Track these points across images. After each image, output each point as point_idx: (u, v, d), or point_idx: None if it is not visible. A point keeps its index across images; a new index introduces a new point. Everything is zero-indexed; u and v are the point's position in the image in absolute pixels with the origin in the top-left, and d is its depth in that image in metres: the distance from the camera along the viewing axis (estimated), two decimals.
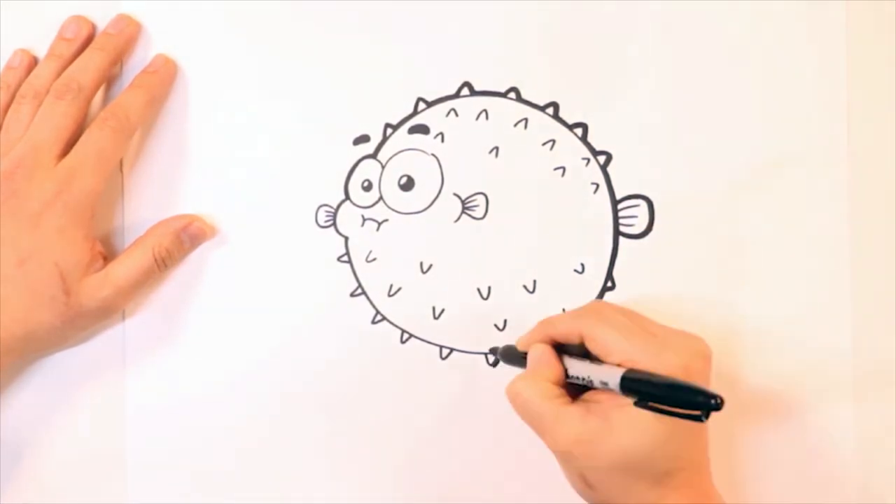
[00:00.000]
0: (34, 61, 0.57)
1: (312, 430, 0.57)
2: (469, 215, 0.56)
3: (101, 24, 0.57)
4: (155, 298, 0.57)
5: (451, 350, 0.56)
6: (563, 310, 0.54)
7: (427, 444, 0.56)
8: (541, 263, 0.55)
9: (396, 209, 0.56)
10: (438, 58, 0.56)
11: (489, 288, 0.56)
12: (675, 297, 0.55)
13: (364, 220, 0.56)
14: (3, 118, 0.55)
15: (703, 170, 0.55)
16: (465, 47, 0.56)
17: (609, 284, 0.55)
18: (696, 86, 0.55)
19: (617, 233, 0.55)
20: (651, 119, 0.55)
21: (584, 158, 0.55)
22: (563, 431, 0.47)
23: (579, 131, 0.55)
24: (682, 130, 0.55)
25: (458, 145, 0.56)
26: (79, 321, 0.55)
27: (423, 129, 0.56)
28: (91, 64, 0.55)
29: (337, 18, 0.56)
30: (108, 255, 0.56)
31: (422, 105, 0.56)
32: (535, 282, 0.55)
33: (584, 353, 0.49)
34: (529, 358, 0.50)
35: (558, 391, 0.49)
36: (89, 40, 0.57)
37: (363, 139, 0.56)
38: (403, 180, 0.56)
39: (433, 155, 0.56)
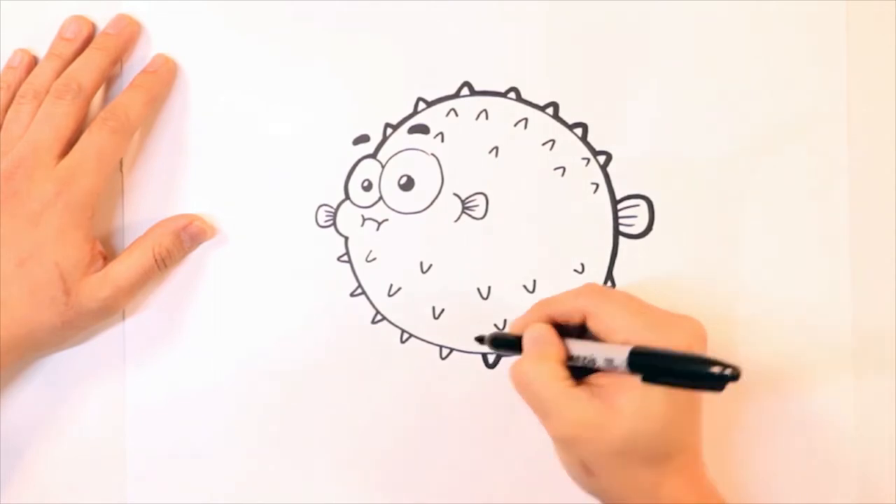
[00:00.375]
0: (34, 61, 0.57)
1: (312, 430, 0.57)
2: (469, 215, 0.56)
3: (101, 24, 0.57)
4: (155, 298, 0.57)
5: (451, 350, 0.56)
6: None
7: (427, 443, 0.56)
8: (541, 263, 0.55)
9: (396, 209, 0.56)
10: (438, 58, 0.56)
11: (489, 288, 0.56)
12: (674, 296, 0.55)
13: (364, 219, 0.56)
14: (3, 118, 0.55)
15: (703, 170, 0.55)
16: (465, 47, 0.56)
17: (609, 284, 0.55)
18: (696, 86, 0.55)
19: (617, 233, 0.55)
20: (651, 119, 0.55)
21: (584, 158, 0.55)
22: (570, 415, 0.46)
23: (579, 131, 0.55)
24: (682, 130, 0.55)
25: (458, 145, 0.56)
26: (79, 321, 0.55)
27: (423, 129, 0.56)
28: (91, 64, 0.55)
29: (337, 18, 0.56)
30: (108, 255, 0.56)
31: (422, 105, 0.56)
32: (534, 282, 0.55)
33: (581, 334, 0.49)
34: (527, 339, 0.49)
35: (565, 373, 0.48)
36: (89, 40, 0.57)
37: (363, 139, 0.56)
38: (403, 180, 0.56)
39: (433, 155, 0.56)
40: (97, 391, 0.58)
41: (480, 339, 0.54)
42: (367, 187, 0.56)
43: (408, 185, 0.56)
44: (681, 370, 0.44)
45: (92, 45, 0.56)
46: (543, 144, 0.56)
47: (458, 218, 0.56)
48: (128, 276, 0.55)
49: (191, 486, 0.57)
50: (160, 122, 0.57)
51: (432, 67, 0.56)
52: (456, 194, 0.56)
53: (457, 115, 0.56)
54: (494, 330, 0.54)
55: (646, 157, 0.55)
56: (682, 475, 0.47)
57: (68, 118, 0.54)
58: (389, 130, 0.56)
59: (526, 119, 0.56)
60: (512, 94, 0.56)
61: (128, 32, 0.57)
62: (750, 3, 0.54)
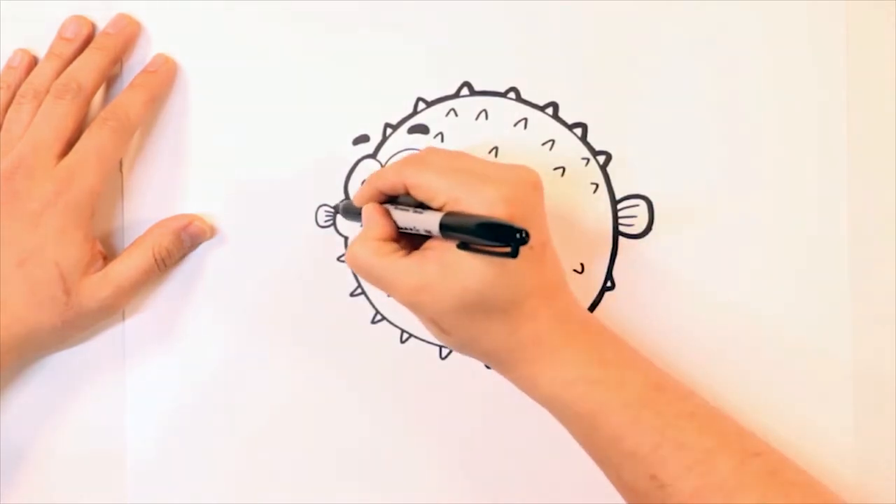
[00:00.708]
0: (34, 61, 0.57)
1: (312, 430, 0.57)
2: None
3: (101, 24, 0.57)
4: (155, 298, 0.57)
5: (451, 350, 0.56)
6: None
7: (426, 443, 0.56)
8: None
9: None
10: (438, 58, 0.56)
11: None
12: (674, 297, 0.55)
13: None
14: (3, 118, 0.55)
15: (703, 170, 0.55)
16: (465, 47, 0.56)
17: (609, 284, 0.55)
18: (696, 86, 0.55)
19: (617, 233, 0.55)
20: (651, 119, 0.55)
21: (583, 158, 0.55)
22: (403, 283, 0.47)
23: (579, 131, 0.55)
24: (681, 130, 0.55)
25: (457, 145, 0.56)
26: (79, 321, 0.55)
27: (422, 129, 0.56)
28: (91, 64, 0.55)
29: (337, 18, 0.56)
30: (108, 255, 0.56)
31: (422, 105, 0.56)
32: None
33: (416, 203, 0.49)
34: (363, 218, 0.50)
35: (391, 246, 0.49)
36: (89, 40, 0.57)
37: (363, 139, 0.56)
38: None
39: None
40: (97, 391, 0.58)
41: (336, 209, 0.55)
42: None
43: None
44: (479, 236, 0.44)
45: (92, 45, 0.56)
46: (543, 144, 0.56)
47: None
48: (128, 276, 0.55)
49: (191, 485, 0.57)
50: (160, 122, 0.57)
51: (432, 67, 0.56)
52: None
53: (457, 115, 0.56)
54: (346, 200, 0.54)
55: (646, 157, 0.55)
56: (539, 317, 0.47)
57: (68, 118, 0.54)
58: (389, 130, 0.56)
59: (526, 119, 0.56)
60: (512, 94, 0.56)
61: (128, 32, 0.57)
62: (750, 3, 0.54)
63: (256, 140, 0.57)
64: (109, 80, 0.57)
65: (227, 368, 0.57)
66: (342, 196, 0.56)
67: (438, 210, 0.47)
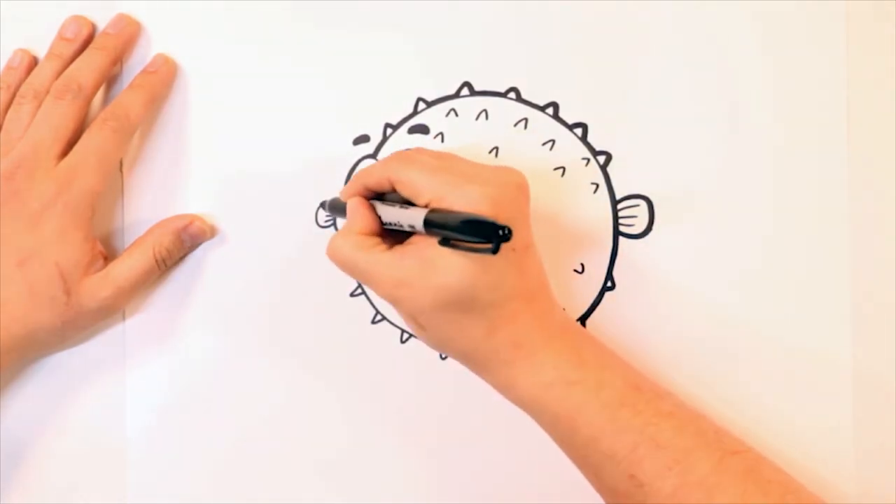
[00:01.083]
0: (34, 61, 0.57)
1: (312, 430, 0.57)
2: None
3: (101, 24, 0.57)
4: (155, 298, 0.57)
5: None
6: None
7: (426, 443, 0.56)
8: None
9: None
10: (438, 58, 0.56)
11: None
12: (674, 297, 0.55)
13: None
14: (3, 118, 0.55)
15: (704, 170, 0.55)
16: (465, 47, 0.56)
17: (609, 284, 0.55)
18: (697, 86, 0.55)
19: (617, 233, 0.55)
20: (651, 119, 0.55)
21: (584, 158, 0.55)
22: (382, 277, 0.47)
23: (579, 131, 0.55)
24: (682, 130, 0.55)
25: (457, 145, 0.56)
26: (79, 321, 0.55)
27: (423, 129, 0.56)
28: (91, 64, 0.55)
29: (337, 18, 0.56)
30: (108, 255, 0.56)
31: (422, 105, 0.56)
32: None
33: (402, 200, 0.49)
34: (347, 212, 0.50)
35: (373, 241, 0.49)
36: (89, 40, 0.57)
37: (363, 139, 0.56)
38: None
39: None
40: (97, 391, 0.58)
41: (323, 205, 0.55)
42: None
43: None
44: (461, 232, 0.44)
45: (92, 45, 0.56)
46: (543, 144, 0.56)
47: None
48: (128, 276, 0.55)
49: (191, 485, 0.57)
50: (160, 122, 0.57)
51: (432, 67, 0.56)
52: None
53: (457, 115, 0.56)
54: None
55: (646, 157, 0.55)
56: (518, 320, 0.47)
57: (68, 118, 0.54)
58: (389, 130, 0.56)
59: (526, 119, 0.56)
60: (512, 94, 0.56)
61: (128, 32, 0.57)
62: (750, 3, 0.54)
63: (256, 140, 0.57)
64: (109, 80, 0.57)
65: (227, 368, 0.57)
66: None
67: (423, 207, 0.47)
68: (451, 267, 0.46)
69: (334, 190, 0.56)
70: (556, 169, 0.56)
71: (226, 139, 0.57)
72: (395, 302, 0.48)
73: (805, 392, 0.54)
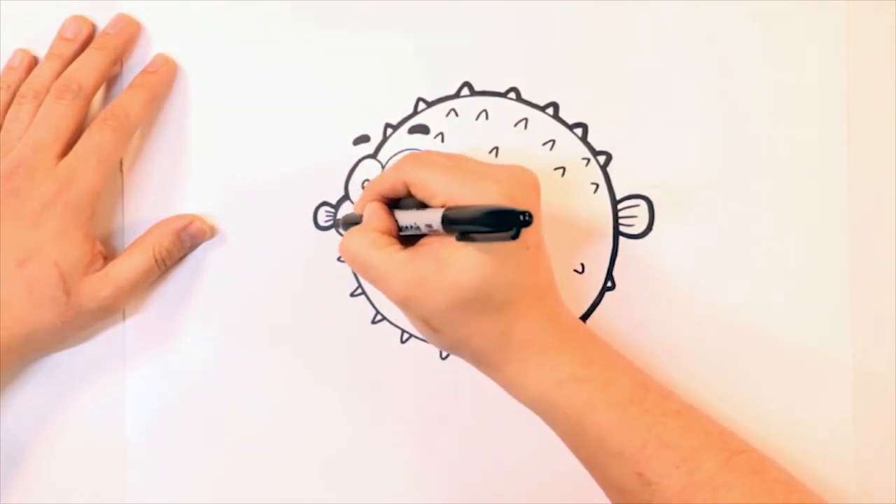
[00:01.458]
0: (34, 61, 0.57)
1: (312, 430, 0.57)
2: None
3: (101, 24, 0.57)
4: (155, 298, 0.57)
5: None
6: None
7: (426, 443, 0.56)
8: None
9: None
10: (438, 58, 0.56)
11: None
12: (674, 297, 0.55)
13: None
14: (3, 118, 0.55)
15: (703, 170, 0.55)
16: (465, 47, 0.56)
17: (609, 284, 0.55)
18: (697, 86, 0.55)
19: (617, 233, 0.55)
20: (651, 119, 0.55)
21: (584, 158, 0.55)
22: (396, 277, 0.47)
23: (579, 131, 0.55)
24: (681, 131, 0.55)
25: (458, 145, 0.56)
26: (79, 321, 0.55)
27: (423, 129, 0.56)
28: (91, 64, 0.55)
29: (337, 18, 0.56)
30: (108, 255, 0.56)
31: (422, 105, 0.56)
32: None
33: (418, 205, 0.49)
34: (364, 216, 0.50)
35: (387, 240, 0.48)
36: (89, 40, 0.57)
37: (363, 139, 0.56)
38: None
39: None
40: (97, 391, 0.58)
41: (337, 224, 0.55)
42: None
43: None
44: (480, 224, 0.44)
45: (92, 45, 0.56)
46: (543, 144, 0.56)
47: None
48: (128, 276, 0.55)
49: (191, 485, 0.57)
50: (160, 122, 0.57)
51: (432, 67, 0.56)
52: None
53: (457, 115, 0.56)
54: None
55: (646, 157, 0.55)
56: (529, 317, 0.48)
57: (68, 118, 0.54)
58: (389, 131, 0.56)
59: (526, 119, 0.56)
60: (512, 94, 0.56)
61: (128, 32, 0.57)
62: (750, 3, 0.54)
63: (257, 140, 0.57)
64: (109, 80, 0.57)
65: (228, 368, 0.57)
66: (342, 195, 0.56)
67: (439, 207, 0.47)
68: (467, 265, 0.46)
69: (334, 190, 0.56)
70: (556, 169, 0.56)
71: (226, 139, 0.57)
72: (407, 303, 0.47)
73: (805, 392, 0.54)
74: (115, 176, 0.57)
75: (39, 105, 0.55)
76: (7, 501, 0.57)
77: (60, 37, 0.57)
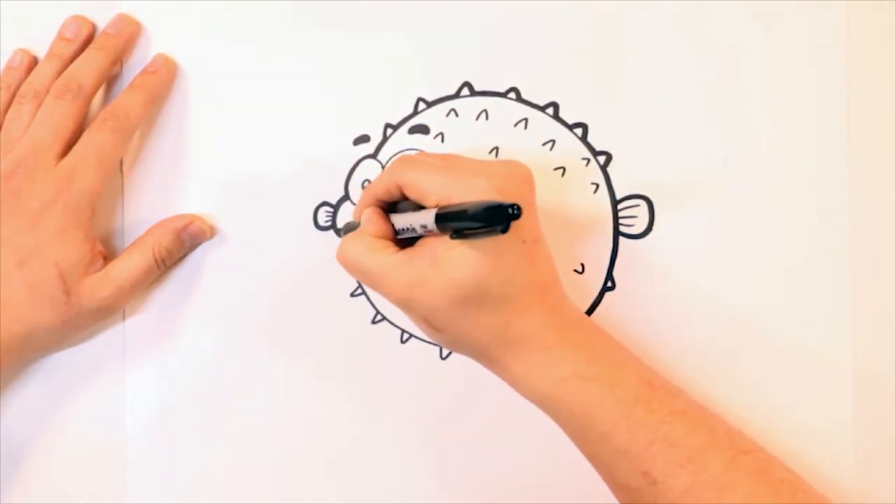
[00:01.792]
0: (34, 61, 0.57)
1: (312, 430, 0.57)
2: None
3: (101, 24, 0.57)
4: (155, 298, 0.57)
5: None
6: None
7: (427, 443, 0.56)
8: None
9: None
10: (438, 58, 0.56)
11: None
12: (675, 297, 0.55)
13: None
14: (3, 118, 0.55)
15: (703, 170, 0.55)
16: (465, 47, 0.56)
17: (609, 284, 0.55)
18: (697, 86, 0.55)
19: (617, 233, 0.55)
20: (651, 119, 0.55)
21: (584, 158, 0.55)
22: (394, 278, 0.47)
23: (579, 131, 0.55)
24: (681, 131, 0.55)
25: (458, 145, 0.56)
26: (79, 321, 0.55)
27: (423, 130, 0.56)
28: (91, 64, 0.55)
29: (337, 18, 0.56)
30: (108, 255, 0.56)
31: (422, 105, 0.56)
32: None
33: (414, 207, 0.49)
34: (361, 221, 0.50)
35: (383, 243, 0.49)
36: (89, 40, 0.57)
37: (363, 139, 0.56)
38: None
39: None
40: (97, 391, 0.57)
41: (338, 232, 0.55)
42: None
43: None
44: (471, 219, 0.44)
45: (92, 45, 0.56)
46: (543, 144, 0.56)
47: None
48: (128, 276, 0.55)
49: (191, 485, 0.57)
50: (160, 122, 0.57)
51: (432, 67, 0.56)
52: None
53: (457, 115, 0.56)
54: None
55: (646, 157, 0.55)
56: (530, 313, 0.47)
57: (68, 118, 0.54)
58: (390, 131, 0.56)
59: (526, 119, 0.56)
60: (512, 94, 0.56)
61: (128, 32, 0.57)
62: (750, 3, 0.54)
63: (257, 140, 0.57)
64: (109, 80, 0.57)
65: (227, 368, 0.57)
66: (342, 195, 0.56)
67: (433, 208, 0.47)
68: (462, 262, 0.46)
69: (334, 190, 0.56)
70: (556, 169, 0.56)
71: (226, 139, 0.57)
72: (407, 304, 0.48)
73: (805, 391, 0.54)
74: (115, 176, 0.57)
75: (39, 105, 0.55)
76: (7, 501, 0.57)
77: (60, 37, 0.57)
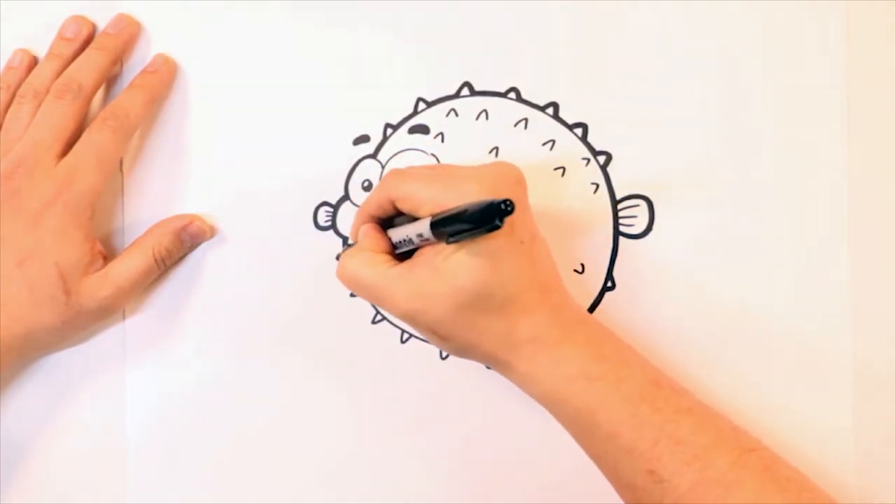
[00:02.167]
0: (34, 61, 0.57)
1: (312, 430, 0.57)
2: None
3: (101, 24, 0.57)
4: (155, 298, 0.57)
5: None
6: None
7: (427, 443, 0.56)
8: None
9: None
10: (438, 58, 0.56)
11: None
12: (675, 297, 0.55)
13: None
14: (3, 118, 0.55)
15: (703, 170, 0.55)
16: (465, 47, 0.56)
17: (609, 284, 0.55)
18: (697, 86, 0.55)
19: (617, 233, 0.55)
20: (651, 119, 0.55)
21: (584, 158, 0.55)
22: (396, 291, 0.47)
23: (579, 131, 0.55)
24: (681, 130, 0.55)
25: (458, 145, 0.56)
26: (79, 321, 0.55)
27: (423, 129, 0.56)
28: (91, 64, 0.55)
29: (337, 18, 0.56)
30: (108, 255, 0.56)
31: (422, 105, 0.56)
32: None
33: (410, 221, 0.49)
34: (358, 237, 0.51)
35: (382, 258, 0.49)
36: (89, 40, 0.57)
37: (363, 139, 0.57)
38: None
39: (433, 155, 0.56)
40: (97, 391, 0.57)
41: (338, 257, 0.55)
42: (368, 187, 0.56)
43: None
44: (466, 221, 0.44)
45: (92, 45, 0.56)
46: (543, 144, 0.56)
47: None
48: (128, 276, 0.55)
49: (191, 485, 0.57)
50: (160, 122, 0.57)
51: (432, 67, 0.56)
52: None
53: (457, 115, 0.56)
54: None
55: (646, 157, 0.55)
56: (534, 313, 0.48)
57: (68, 118, 0.54)
58: (389, 130, 0.56)
59: (526, 119, 0.56)
60: (512, 94, 0.56)
61: (128, 32, 0.57)
62: (750, 3, 0.54)
63: (257, 140, 0.57)
64: (109, 80, 0.57)
65: (227, 368, 0.57)
66: (342, 195, 0.56)
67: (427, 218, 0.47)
68: (463, 268, 0.46)
69: (334, 190, 0.56)
70: (556, 169, 0.56)
71: (226, 139, 0.57)
72: (412, 316, 0.48)
73: (805, 391, 0.54)
74: (115, 176, 0.57)
75: (39, 105, 0.55)
76: (7, 501, 0.57)
77: (60, 37, 0.57)
